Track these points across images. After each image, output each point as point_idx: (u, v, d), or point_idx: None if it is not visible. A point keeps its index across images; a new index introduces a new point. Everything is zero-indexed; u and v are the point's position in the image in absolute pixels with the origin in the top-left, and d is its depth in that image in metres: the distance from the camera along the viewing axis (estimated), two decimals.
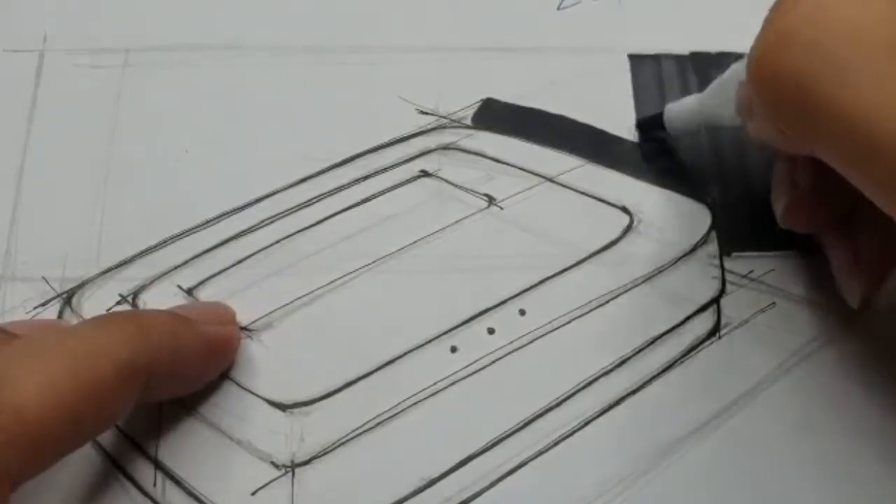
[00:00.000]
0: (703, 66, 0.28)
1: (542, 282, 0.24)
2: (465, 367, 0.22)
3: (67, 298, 0.23)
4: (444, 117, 0.27)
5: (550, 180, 0.26)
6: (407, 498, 0.21)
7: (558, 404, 0.22)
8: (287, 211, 0.25)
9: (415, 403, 0.22)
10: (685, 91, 0.28)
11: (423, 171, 0.26)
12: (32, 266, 0.23)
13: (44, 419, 0.16)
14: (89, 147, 0.25)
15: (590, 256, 0.25)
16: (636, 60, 0.28)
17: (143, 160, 0.25)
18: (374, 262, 0.24)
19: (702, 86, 0.28)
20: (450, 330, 0.23)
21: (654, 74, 0.28)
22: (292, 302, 0.23)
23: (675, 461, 0.22)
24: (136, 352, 0.18)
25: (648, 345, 0.23)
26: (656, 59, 0.28)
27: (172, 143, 0.26)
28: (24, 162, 0.25)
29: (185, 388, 0.21)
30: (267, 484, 0.21)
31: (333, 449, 0.21)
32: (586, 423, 0.22)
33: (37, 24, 0.27)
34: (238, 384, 0.22)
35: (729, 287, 0.24)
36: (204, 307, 0.22)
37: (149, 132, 0.26)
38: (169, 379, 0.20)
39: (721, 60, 0.28)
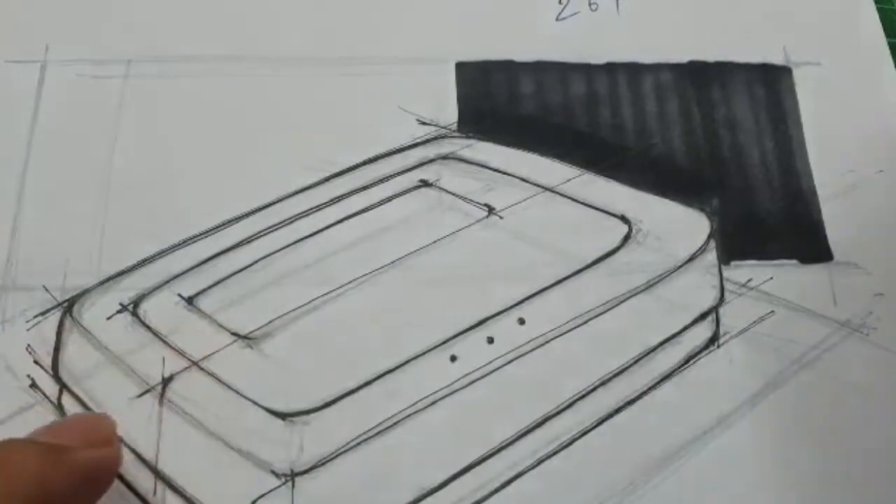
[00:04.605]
0: (702, 76, 0.28)
1: (541, 291, 0.24)
2: (465, 375, 0.22)
3: (68, 308, 0.23)
4: (444, 127, 0.27)
5: (550, 190, 0.26)
6: None
7: (557, 413, 0.22)
8: (287, 220, 0.25)
9: (414, 413, 0.22)
10: (682, 100, 0.28)
11: (422, 180, 0.26)
12: (33, 275, 0.23)
13: None
14: (90, 157, 0.26)
15: (589, 266, 0.25)
16: (633, 69, 0.28)
17: (144, 170, 0.26)
18: (373, 271, 0.24)
19: (700, 96, 0.28)
20: (449, 339, 0.23)
21: (654, 84, 0.28)
22: (292, 311, 0.23)
23: (674, 470, 0.22)
24: None
25: (647, 354, 0.23)
26: (655, 68, 0.28)
27: (173, 153, 0.26)
28: (26, 171, 0.25)
29: None
30: (267, 493, 0.21)
31: (333, 458, 0.21)
32: (585, 433, 0.22)
33: (38, 34, 0.28)
34: (238, 393, 0.22)
35: (728, 296, 0.24)
36: (80, 423, 0.20)
37: (150, 142, 0.26)
38: None
39: (720, 70, 0.29)
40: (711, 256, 0.25)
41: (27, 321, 0.23)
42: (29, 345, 0.22)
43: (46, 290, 0.23)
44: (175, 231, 0.24)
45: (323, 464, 0.21)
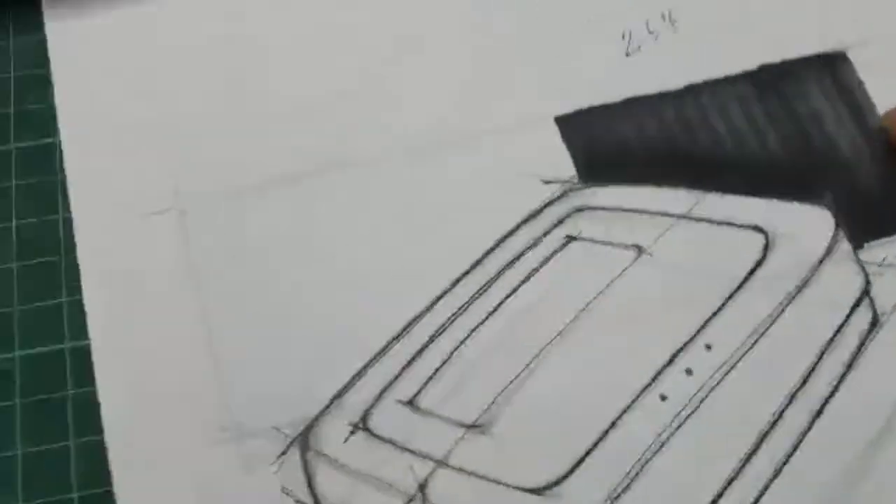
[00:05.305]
0: (774, 77, 0.31)
1: (716, 314, 0.26)
2: (679, 412, 0.24)
3: (303, 441, 0.24)
4: (567, 181, 0.29)
5: (684, 217, 0.28)
6: None
7: (767, 434, 0.24)
8: (463, 307, 0.27)
9: (650, 457, 0.24)
10: (765, 105, 0.30)
11: (568, 236, 0.28)
12: (254, 418, 0.24)
13: None
14: (263, 285, 0.26)
15: (746, 280, 0.27)
16: (712, 86, 0.31)
17: (312, 289, 0.27)
18: (558, 334, 0.26)
19: (779, 97, 0.31)
20: (654, 378, 0.25)
21: (735, 95, 0.31)
22: (505, 390, 0.25)
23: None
24: None
25: (822, 355, 0.25)
26: (732, 80, 0.31)
27: (337, 270, 0.27)
28: (210, 324, 0.26)
29: None
30: None
31: None
32: (795, 447, 0.24)
33: (167, 179, 0.28)
34: (492, 480, 0.23)
35: (871, 277, 0.27)
36: None
37: (311, 263, 0.27)
38: None
39: (788, 67, 0.31)
40: (844, 245, 0.27)
41: (271, 464, 0.24)
42: (284, 486, 0.23)
43: (278, 429, 0.24)
44: (362, 344, 0.26)
45: None
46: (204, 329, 0.26)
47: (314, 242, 0.27)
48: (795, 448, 0.24)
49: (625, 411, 0.24)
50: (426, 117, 0.30)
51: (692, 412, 0.24)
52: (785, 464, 0.24)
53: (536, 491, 0.23)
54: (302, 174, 0.29)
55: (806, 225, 0.28)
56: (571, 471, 0.23)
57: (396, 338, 0.26)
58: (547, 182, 0.29)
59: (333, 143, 0.29)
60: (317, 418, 0.24)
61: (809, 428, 0.24)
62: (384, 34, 0.31)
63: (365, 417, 0.24)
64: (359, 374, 0.25)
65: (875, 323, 0.26)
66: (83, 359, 0.25)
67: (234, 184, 0.28)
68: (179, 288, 0.26)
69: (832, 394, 0.25)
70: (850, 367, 0.25)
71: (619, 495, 0.23)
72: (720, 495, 0.23)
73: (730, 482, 0.24)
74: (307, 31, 0.31)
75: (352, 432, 0.24)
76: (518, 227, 0.28)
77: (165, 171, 0.28)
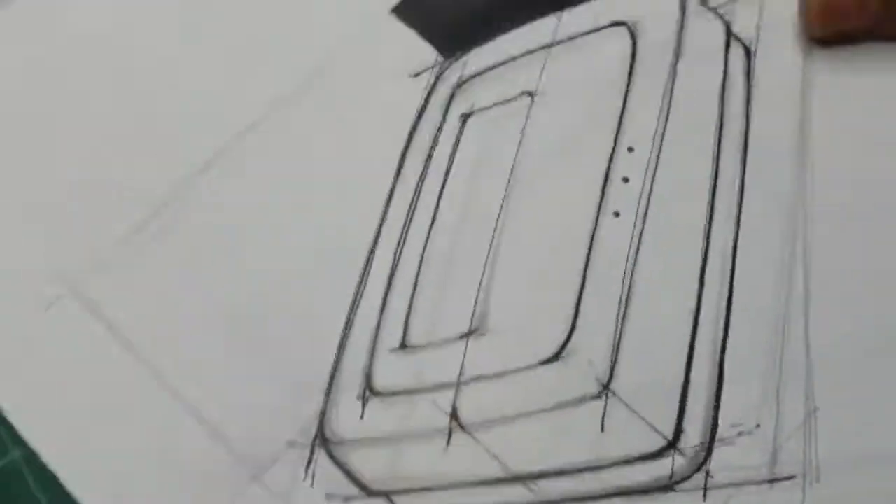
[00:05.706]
0: None
1: (622, 114, 0.25)
2: (636, 217, 0.24)
3: (322, 440, 0.22)
4: (435, 64, 0.27)
5: (554, 44, 0.27)
6: None
7: (715, 184, 0.23)
8: (407, 223, 0.25)
9: (630, 276, 0.23)
10: None
11: (462, 115, 0.27)
12: (264, 448, 0.22)
13: None
14: (200, 320, 0.24)
15: (632, 73, 0.26)
16: None
17: (249, 296, 0.24)
18: (500, 209, 0.25)
19: None
20: (601, 197, 0.24)
21: None
22: (481, 286, 0.24)
23: None
24: None
25: (723, 97, 0.25)
26: None
27: (266, 265, 0.25)
28: (169, 381, 0.23)
29: None
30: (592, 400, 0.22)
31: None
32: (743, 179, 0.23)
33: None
34: (506, 372, 0.22)
35: (725, 16, 0.26)
36: None
37: (233, 268, 0.25)
38: None
39: None
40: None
41: (304, 480, 0.22)
42: (327, 493, 0.22)
43: (292, 443, 0.22)
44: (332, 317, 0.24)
45: None
46: (162, 388, 0.23)
47: (220, 253, 0.25)
48: (741, 198, 0.24)
49: (591, 248, 0.24)
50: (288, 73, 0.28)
51: (646, 212, 0.24)
52: (740, 214, 0.23)
53: (553, 359, 0.22)
54: (173, 194, 0.27)
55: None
56: (573, 326, 0.23)
57: (358, 294, 0.24)
58: (417, 75, 0.27)
59: (199, 141, 0.27)
60: (323, 411, 0.23)
61: (744, 167, 0.24)
62: None
63: (368, 384, 0.23)
64: (341, 348, 0.23)
65: (748, 52, 0.26)
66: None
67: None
68: (117, 364, 0.24)
69: (747, 128, 0.25)
70: (749, 100, 0.25)
71: (622, 325, 0.23)
72: (702, 283, 0.23)
73: (704, 258, 0.23)
74: None
75: (364, 404, 0.23)
76: (413, 131, 0.27)
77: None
